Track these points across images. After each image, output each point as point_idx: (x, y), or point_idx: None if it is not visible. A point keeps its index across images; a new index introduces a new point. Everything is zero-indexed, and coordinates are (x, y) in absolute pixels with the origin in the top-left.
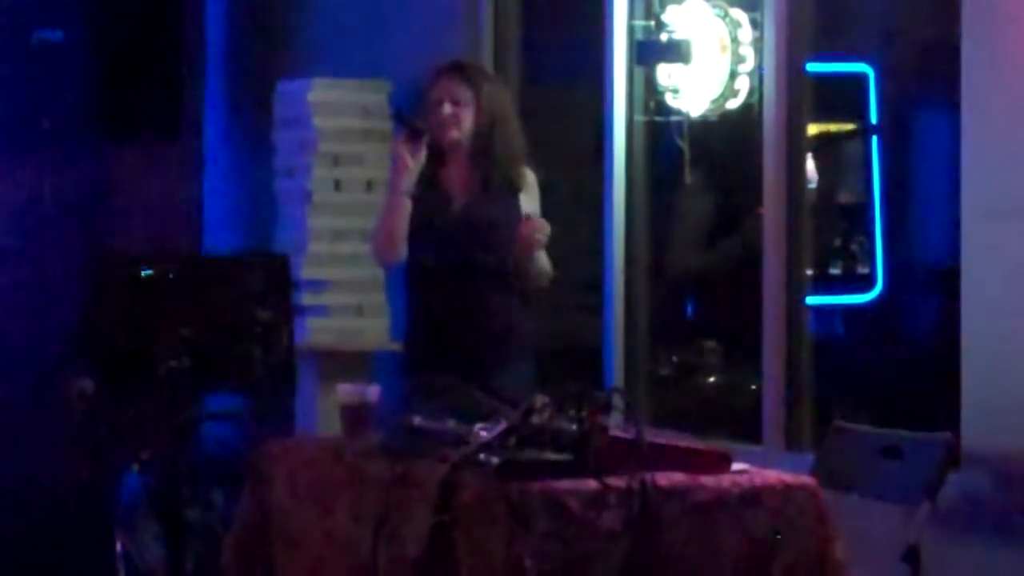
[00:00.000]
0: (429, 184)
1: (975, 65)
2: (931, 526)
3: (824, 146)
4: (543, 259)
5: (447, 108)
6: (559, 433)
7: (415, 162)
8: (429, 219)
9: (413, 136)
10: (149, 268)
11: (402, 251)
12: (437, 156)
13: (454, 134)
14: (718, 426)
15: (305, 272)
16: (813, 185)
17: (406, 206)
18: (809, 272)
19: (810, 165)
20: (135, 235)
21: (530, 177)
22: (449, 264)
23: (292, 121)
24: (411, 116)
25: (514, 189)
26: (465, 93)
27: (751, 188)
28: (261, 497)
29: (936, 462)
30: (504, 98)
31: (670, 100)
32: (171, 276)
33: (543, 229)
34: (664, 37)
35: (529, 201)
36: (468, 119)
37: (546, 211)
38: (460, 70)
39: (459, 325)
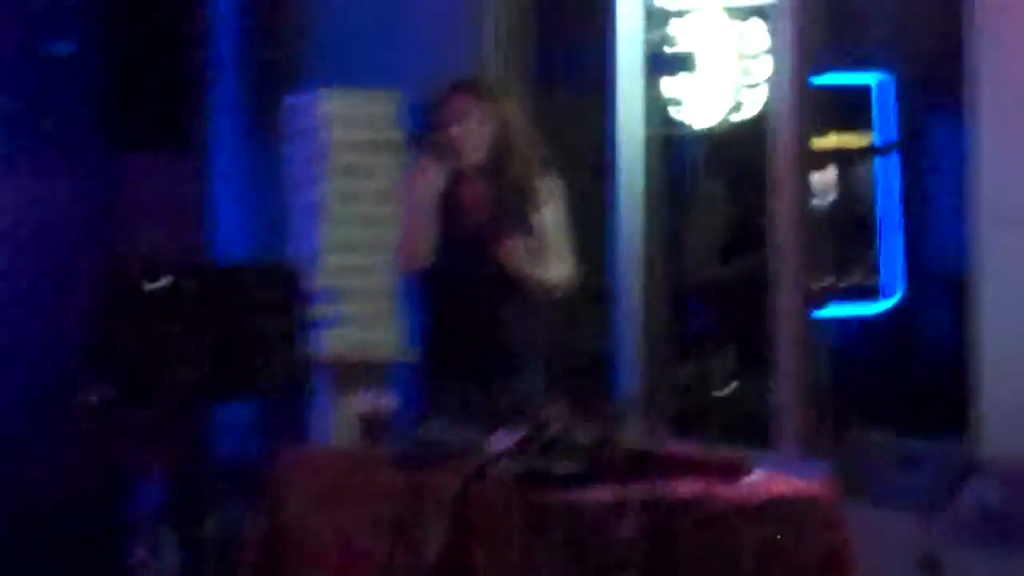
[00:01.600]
0: (446, 197)
1: (984, 73)
2: (948, 534)
3: (838, 157)
4: (546, 273)
5: (462, 126)
6: (575, 443)
7: (437, 176)
8: (445, 232)
9: (433, 151)
10: (162, 279)
11: (428, 259)
12: (456, 171)
13: (469, 158)
14: (733, 434)
15: (318, 283)
16: (830, 196)
17: (430, 217)
18: (825, 282)
19: (826, 176)
20: (147, 246)
21: (551, 186)
22: (463, 276)
23: (302, 133)
24: (427, 131)
25: (530, 203)
26: (478, 111)
27: (761, 199)
28: (277, 507)
29: (952, 470)
30: (518, 113)
31: (679, 112)
32: (184, 287)
33: (519, 251)
34: (674, 49)
35: (549, 210)
36: (483, 136)
37: None
38: (473, 87)
39: (473, 336)
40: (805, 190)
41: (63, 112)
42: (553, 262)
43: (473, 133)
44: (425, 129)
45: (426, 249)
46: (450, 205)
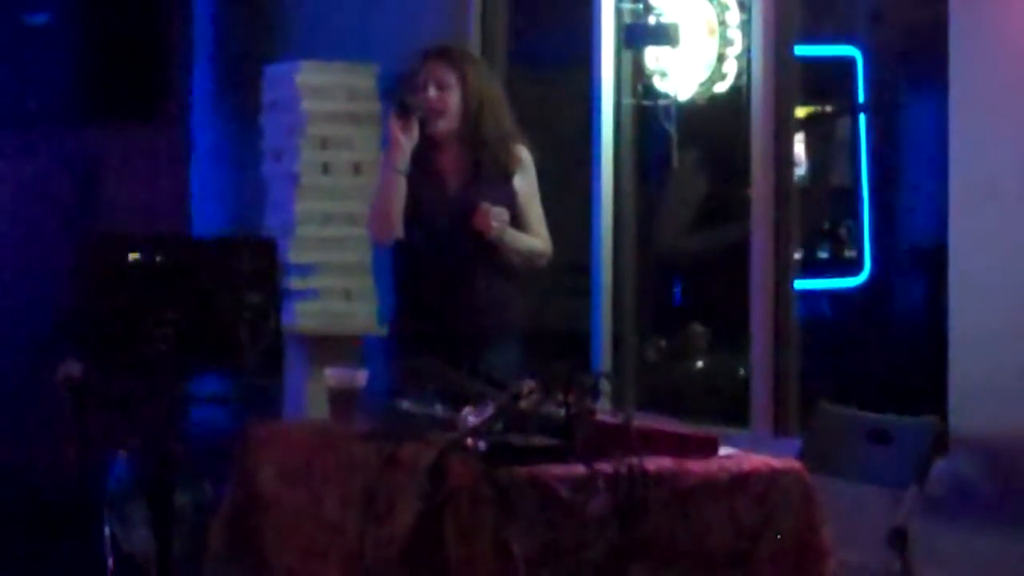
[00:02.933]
0: (423, 167)
1: (962, 47)
2: (918, 509)
3: (812, 129)
4: (524, 241)
5: (432, 92)
6: (547, 418)
7: (408, 139)
8: (421, 202)
9: (404, 113)
10: (137, 252)
11: (398, 229)
12: (430, 139)
13: (441, 124)
14: (706, 410)
15: (293, 256)
16: (801, 169)
17: (401, 183)
18: (797, 255)
19: (798, 148)
20: (123, 218)
21: (524, 155)
22: (439, 247)
23: (280, 104)
24: (402, 93)
25: (506, 171)
26: (450, 77)
27: (739, 171)
28: (249, 481)
29: (923, 446)
30: (491, 81)
31: (658, 83)
32: (159, 259)
33: (498, 217)
34: (652, 20)
35: (524, 180)
36: (455, 103)
37: None
38: (445, 54)
39: (446, 308)
40: (783, 162)
41: (39, 84)
42: (529, 232)
43: (445, 98)
44: (399, 96)
45: (397, 220)
46: (424, 174)
